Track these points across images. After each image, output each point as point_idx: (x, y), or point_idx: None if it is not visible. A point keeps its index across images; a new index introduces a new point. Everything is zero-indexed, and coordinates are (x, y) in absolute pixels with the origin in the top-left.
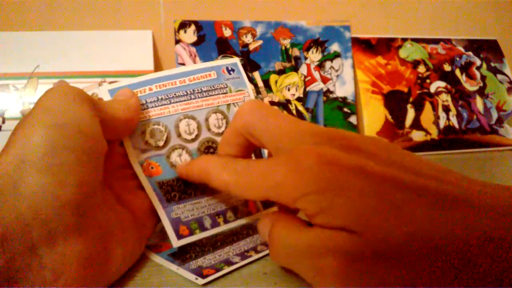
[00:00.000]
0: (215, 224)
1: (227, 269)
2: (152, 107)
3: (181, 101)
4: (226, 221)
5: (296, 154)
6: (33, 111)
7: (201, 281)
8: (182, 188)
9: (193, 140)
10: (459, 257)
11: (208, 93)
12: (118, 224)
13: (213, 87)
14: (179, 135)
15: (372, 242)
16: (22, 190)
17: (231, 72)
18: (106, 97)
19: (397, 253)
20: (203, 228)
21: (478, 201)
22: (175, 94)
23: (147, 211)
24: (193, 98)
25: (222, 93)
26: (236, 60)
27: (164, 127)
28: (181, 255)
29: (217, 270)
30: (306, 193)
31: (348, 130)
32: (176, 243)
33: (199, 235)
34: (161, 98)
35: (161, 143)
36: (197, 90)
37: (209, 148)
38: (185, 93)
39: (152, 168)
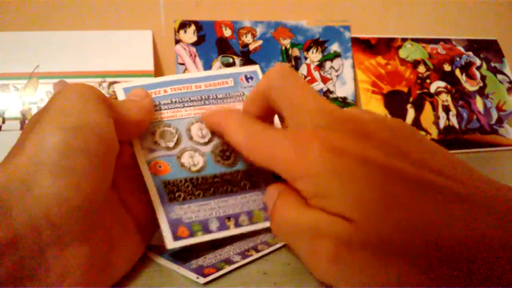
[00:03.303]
0: (223, 227)
1: (228, 268)
2: (165, 109)
3: (194, 105)
4: (237, 225)
5: (304, 135)
6: (49, 111)
7: (202, 280)
8: (189, 189)
9: (206, 143)
10: (457, 255)
11: (223, 101)
12: (122, 227)
13: (229, 95)
14: (191, 138)
15: (367, 232)
16: (35, 193)
17: (249, 80)
18: (120, 95)
19: (392, 246)
20: (207, 231)
21: (482, 199)
22: (189, 99)
23: (150, 212)
24: (207, 104)
25: (238, 101)
26: (256, 68)
27: (175, 129)
28: (182, 255)
29: (218, 269)
30: (306, 175)
31: (367, 110)
32: (171, 244)
33: (200, 238)
34: (175, 101)
35: (171, 145)
36: (212, 96)
37: (225, 152)
38: (200, 98)
39: (159, 167)
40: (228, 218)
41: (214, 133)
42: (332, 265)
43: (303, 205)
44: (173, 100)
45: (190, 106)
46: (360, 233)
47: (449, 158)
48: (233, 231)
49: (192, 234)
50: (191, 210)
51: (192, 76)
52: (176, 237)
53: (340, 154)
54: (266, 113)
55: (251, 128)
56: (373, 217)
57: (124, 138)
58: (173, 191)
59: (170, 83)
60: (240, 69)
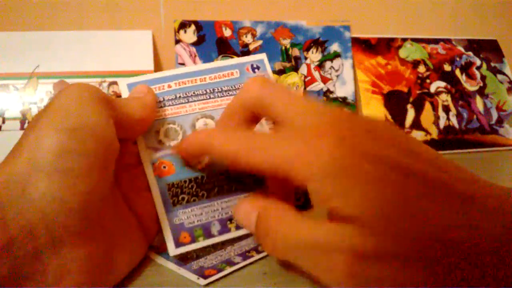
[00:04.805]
0: (224, 231)
1: (229, 270)
2: (169, 105)
3: (199, 100)
4: (238, 227)
5: (316, 130)
6: (47, 112)
7: (203, 281)
8: (193, 189)
9: None
10: (472, 258)
11: (228, 93)
12: (124, 228)
13: (235, 87)
14: None
15: (385, 240)
16: (30, 195)
17: (256, 70)
18: (124, 91)
19: (409, 253)
20: (208, 235)
21: (490, 199)
22: (194, 93)
23: (153, 213)
24: (212, 98)
25: None
26: (263, 56)
27: (179, 126)
28: (183, 256)
29: (219, 271)
30: (321, 175)
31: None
32: (173, 251)
33: (201, 243)
34: (179, 97)
35: (175, 143)
36: (217, 89)
37: None
38: (204, 92)
39: (164, 167)
40: (230, 220)
41: (191, 165)
42: (349, 279)
43: (302, 221)
44: (177, 96)
45: (194, 101)
46: (376, 242)
47: (443, 158)
48: (234, 233)
49: (193, 240)
50: (194, 214)
51: (197, 68)
52: (178, 244)
53: (358, 153)
54: (246, 126)
55: (243, 134)
56: (390, 223)
57: (127, 136)
58: (177, 194)
59: (174, 77)
60: (245, 59)
